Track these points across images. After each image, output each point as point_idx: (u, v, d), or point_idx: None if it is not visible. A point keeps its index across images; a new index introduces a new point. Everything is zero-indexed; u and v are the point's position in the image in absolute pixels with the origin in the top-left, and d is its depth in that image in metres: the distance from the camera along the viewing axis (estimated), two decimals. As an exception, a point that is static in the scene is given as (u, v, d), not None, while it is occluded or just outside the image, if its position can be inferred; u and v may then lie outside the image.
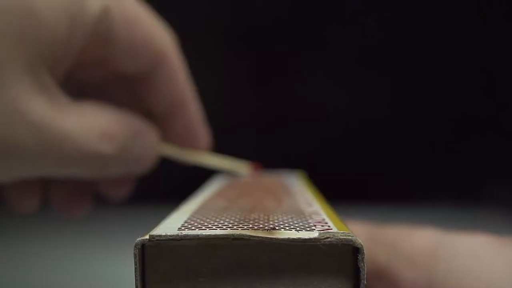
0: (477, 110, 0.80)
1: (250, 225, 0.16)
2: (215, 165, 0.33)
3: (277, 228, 0.16)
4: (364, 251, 0.15)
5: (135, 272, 0.15)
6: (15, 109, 0.22)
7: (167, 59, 0.29)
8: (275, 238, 0.15)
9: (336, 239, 0.15)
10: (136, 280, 0.15)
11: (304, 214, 0.18)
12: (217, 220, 0.17)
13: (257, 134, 0.81)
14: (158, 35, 0.29)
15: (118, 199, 0.33)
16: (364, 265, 0.15)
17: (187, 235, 0.15)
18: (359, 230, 0.27)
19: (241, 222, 0.16)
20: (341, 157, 0.81)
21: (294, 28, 0.81)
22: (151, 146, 0.29)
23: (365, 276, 0.15)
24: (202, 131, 0.33)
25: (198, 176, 0.34)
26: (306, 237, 0.15)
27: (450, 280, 0.23)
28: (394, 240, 0.26)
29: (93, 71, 0.29)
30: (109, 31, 0.26)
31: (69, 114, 0.25)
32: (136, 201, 0.35)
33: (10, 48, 0.22)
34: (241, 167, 0.34)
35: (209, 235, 0.15)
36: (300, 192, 0.25)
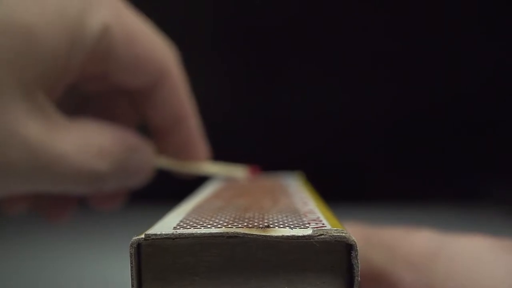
0: (477, 109, 0.80)
1: (245, 224, 0.16)
2: (213, 172, 0.33)
3: (271, 226, 0.16)
4: (358, 248, 0.15)
5: (130, 271, 0.15)
6: (10, 132, 0.22)
7: (169, 74, 0.29)
8: (269, 236, 0.15)
9: (329, 236, 0.15)
10: (132, 279, 0.16)
11: (299, 212, 0.18)
12: (213, 219, 0.17)
13: (256, 134, 0.81)
14: (159, 51, 0.29)
15: (108, 210, 0.33)
16: (357, 262, 0.15)
17: (182, 234, 0.15)
18: (355, 231, 0.27)
19: (236, 220, 0.17)
20: (340, 157, 0.81)
21: (294, 28, 0.81)
22: (147, 161, 0.29)
23: (359, 272, 0.15)
24: (201, 144, 0.33)
25: (197, 177, 0.34)
26: (300, 234, 0.15)
27: (449, 284, 0.23)
28: (392, 241, 0.26)
29: (94, 84, 0.29)
30: (109, 49, 0.26)
31: (65, 133, 0.25)
32: (134, 202, 0.35)
33: (6, 71, 0.22)
34: (239, 172, 0.34)
35: (204, 233, 0.15)
36: (297, 192, 0.25)
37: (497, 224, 0.62)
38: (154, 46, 0.28)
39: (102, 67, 0.27)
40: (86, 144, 0.25)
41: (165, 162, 0.32)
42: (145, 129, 0.32)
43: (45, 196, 0.30)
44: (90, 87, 0.30)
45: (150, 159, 0.29)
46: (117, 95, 0.31)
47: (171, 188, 0.34)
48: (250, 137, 0.79)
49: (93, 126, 0.27)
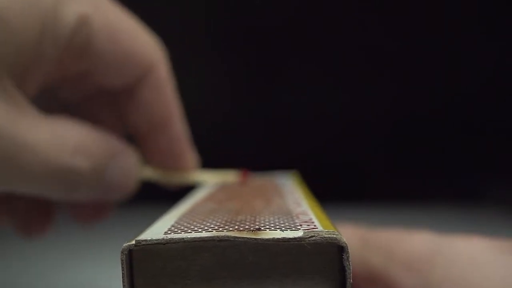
0: (477, 110, 0.80)
1: (236, 227, 0.16)
2: (202, 181, 0.31)
3: (262, 228, 0.16)
4: (349, 250, 0.15)
5: (122, 277, 0.15)
6: None
7: (154, 70, 0.28)
8: (260, 239, 0.15)
9: (320, 237, 0.15)
10: (123, 285, 0.15)
11: (291, 214, 0.18)
12: (204, 222, 0.17)
13: (256, 134, 0.81)
14: (145, 45, 0.27)
15: (90, 224, 0.31)
16: (349, 264, 0.15)
17: (173, 239, 0.15)
18: (353, 233, 0.27)
19: (227, 223, 0.17)
20: (340, 157, 0.81)
21: (294, 28, 0.81)
22: (130, 170, 0.27)
23: (350, 275, 0.15)
24: (188, 151, 0.31)
25: (186, 187, 0.33)
26: (291, 236, 0.15)
27: (447, 286, 0.22)
28: (390, 243, 0.26)
29: (75, 86, 0.28)
30: (89, 42, 0.25)
31: (36, 125, 0.23)
32: (130, 203, 0.35)
33: None
34: (230, 177, 0.32)
35: (194, 237, 0.15)
36: (291, 192, 0.25)
37: (497, 224, 0.62)
38: (138, 40, 0.27)
39: (82, 62, 0.26)
40: (62, 139, 0.24)
41: (151, 173, 0.30)
42: (130, 140, 0.31)
43: (20, 207, 0.29)
44: (70, 91, 0.28)
45: (134, 166, 0.28)
46: (97, 102, 0.30)
47: (165, 190, 0.33)
48: (250, 137, 0.79)
49: (72, 123, 0.25)
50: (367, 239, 0.26)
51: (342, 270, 0.15)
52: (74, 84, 0.28)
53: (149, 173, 0.30)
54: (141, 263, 0.16)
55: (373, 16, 0.81)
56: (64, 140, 0.24)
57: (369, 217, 0.47)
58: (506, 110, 0.79)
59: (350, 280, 0.15)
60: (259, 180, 0.32)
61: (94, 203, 0.30)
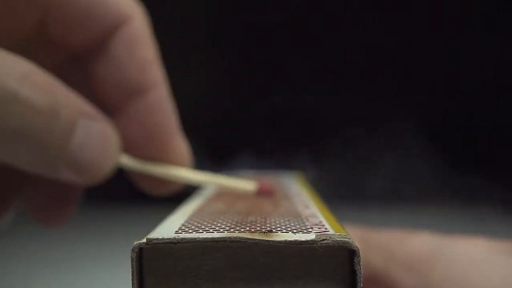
0: (477, 109, 0.80)
1: (247, 228, 0.16)
2: (199, 182, 0.25)
3: (274, 230, 0.16)
4: (360, 254, 0.15)
5: (132, 276, 0.15)
6: None
7: (127, 23, 0.23)
8: (272, 241, 0.15)
9: (332, 241, 0.15)
10: (133, 284, 0.15)
11: (301, 216, 0.18)
12: (215, 223, 0.17)
13: (257, 131, 0.81)
14: None
15: (53, 226, 0.26)
16: (360, 268, 0.15)
17: (184, 238, 0.15)
18: (352, 234, 0.27)
19: (238, 224, 0.17)
20: (340, 155, 0.81)
21: (295, 25, 0.81)
22: (108, 141, 0.22)
23: (361, 279, 0.15)
24: (176, 137, 0.24)
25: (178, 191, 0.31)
26: (303, 239, 0.15)
27: (447, 287, 0.23)
28: (390, 244, 0.26)
29: (40, 51, 0.24)
30: None
31: None
32: (136, 201, 0.35)
33: None
34: (245, 185, 0.25)
35: (206, 238, 0.15)
36: (298, 194, 0.25)
37: (497, 224, 0.62)
38: None
39: (38, 5, 0.22)
40: (8, 65, 0.20)
41: (130, 162, 0.24)
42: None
43: (36, 194, 0.26)
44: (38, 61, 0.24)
45: (112, 139, 0.22)
46: (71, 79, 0.24)
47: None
48: (250, 134, 0.79)
49: (26, 59, 0.20)
50: (367, 240, 0.26)
51: (352, 273, 0.16)
52: (37, 47, 0.24)
53: (127, 161, 0.24)
54: (151, 262, 0.16)
55: (374, 13, 0.81)
56: (11, 66, 0.20)
57: (369, 217, 0.47)
58: (507, 109, 0.79)
59: (360, 284, 0.15)
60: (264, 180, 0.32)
61: (58, 192, 0.26)
